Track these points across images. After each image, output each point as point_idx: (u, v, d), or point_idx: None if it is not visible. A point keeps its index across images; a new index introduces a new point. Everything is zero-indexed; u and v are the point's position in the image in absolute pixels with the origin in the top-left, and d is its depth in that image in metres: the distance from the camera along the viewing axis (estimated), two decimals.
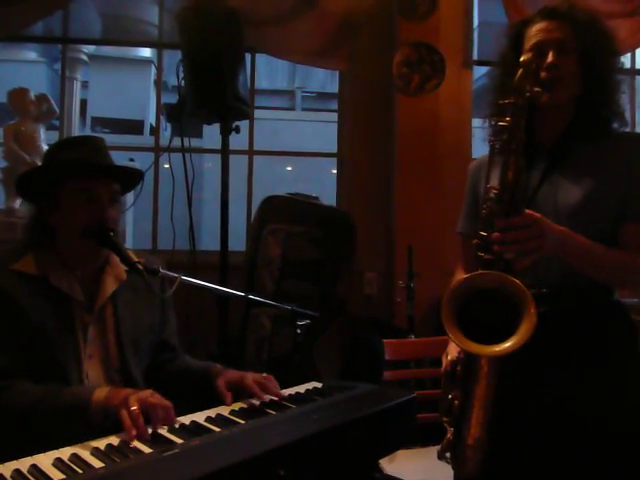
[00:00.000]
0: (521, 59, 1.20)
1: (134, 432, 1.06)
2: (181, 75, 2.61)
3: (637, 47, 3.17)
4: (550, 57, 1.24)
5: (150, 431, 1.09)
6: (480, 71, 3.58)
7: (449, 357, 1.27)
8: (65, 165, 1.37)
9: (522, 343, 1.05)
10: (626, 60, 3.35)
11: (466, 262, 1.51)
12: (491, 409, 1.14)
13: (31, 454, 0.98)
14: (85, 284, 1.39)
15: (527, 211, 1.13)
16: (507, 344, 1.06)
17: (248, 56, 3.07)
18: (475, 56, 3.29)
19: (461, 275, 1.49)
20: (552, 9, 1.31)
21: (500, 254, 1.13)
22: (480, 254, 1.18)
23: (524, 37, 1.32)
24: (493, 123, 1.20)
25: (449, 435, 1.22)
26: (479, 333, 1.09)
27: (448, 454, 1.22)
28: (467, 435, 1.15)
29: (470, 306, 1.11)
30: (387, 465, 1.85)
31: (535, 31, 1.30)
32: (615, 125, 1.32)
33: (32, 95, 3.13)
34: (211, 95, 2.50)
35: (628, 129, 1.36)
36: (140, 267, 1.29)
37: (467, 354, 1.17)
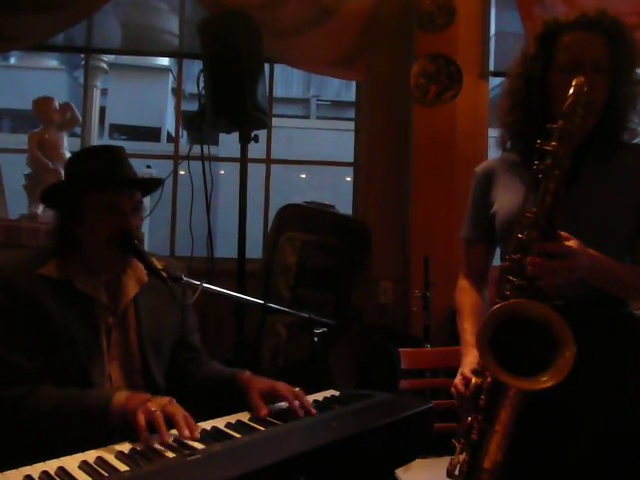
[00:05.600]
0: (574, 82, 1.15)
1: (148, 438, 1.08)
2: (201, 84, 2.66)
3: None
4: (585, 77, 1.18)
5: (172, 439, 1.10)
6: (496, 81, 3.59)
7: (473, 381, 1.21)
8: (88, 177, 1.38)
9: (559, 380, 1.03)
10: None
11: (469, 268, 1.51)
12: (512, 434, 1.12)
13: (52, 457, 1.01)
14: (108, 287, 1.41)
15: (564, 234, 1.12)
16: (544, 378, 1.04)
17: (267, 66, 3.10)
18: (492, 66, 3.29)
19: (464, 282, 1.50)
20: (590, 19, 1.27)
21: (532, 279, 1.12)
22: (510, 277, 1.16)
23: (557, 40, 1.28)
24: (537, 145, 1.16)
25: (464, 456, 1.18)
26: (506, 355, 1.08)
27: (457, 472, 1.20)
28: (485, 459, 1.12)
29: (502, 330, 1.09)
30: (403, 474, 1.85)
31: (572, 42, 1.26)
32: (626, 137, 1.31)
33: (56, 104, 3.19)
34: (231, 105, 2.53)
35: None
36: (164, 275, 1.32)
37: (497, 382, 1.13)
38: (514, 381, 1.07)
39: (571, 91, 1.14)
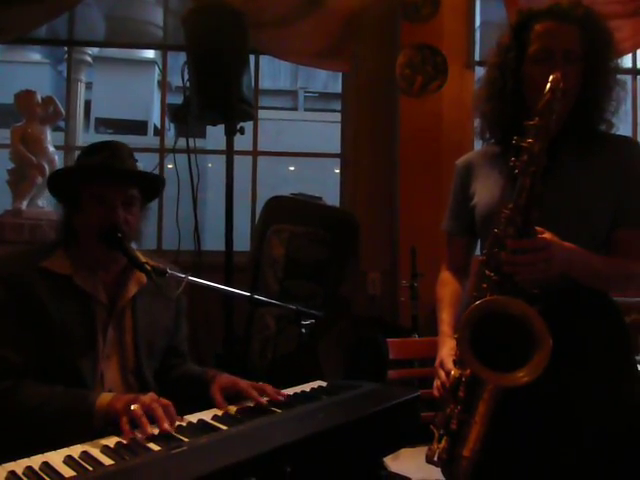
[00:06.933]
0: (550, 78, 1.14)
1: (130, 436, 1.08)
2: (186, 77, 2.63)
3: (639, 47, 3.17)
4: (558, 68, 1.19)
5: (157, 432, 1.10)
6: (482, 71, 3.59)
7: (452, 373, 1.23)
8: (81, 170, 1.43)
9: (536, 376, 1.05)
10: (627, 60, 3.36)
11: (450, 260, 1.52)
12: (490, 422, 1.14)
13: (36, 452, 1.00)
14: (107, 286, 1.42)
15: (539, 229, 1.13)
16: (521, 374, 1.06)
17: (252, 57, 3.09)
18: (477, 56, 3.29)
19: (446, 274, 1.51)
20: (563, 9, 1.27)
21: (509, 275, 1.13)
22: (488, 272, 1.17)
23: (530, 30, 1.28)
24: (514, 142, 1.16)
25: (443, 443, 1.20)
26: (485, 348, 1.09)
27: (436, 458, 1.22)
28: (464, 447, 1.14)
29: (482, 325, 1.11)
30: (391, 463, 1.87)
31: (544, 31, 1.26)
32: (602, 127, 1.31)
33: (39, 97, 3.16)
34: (216, 97, 2.52)
35: (629, 131, 1.36)
36: (148, 268, 1.31)
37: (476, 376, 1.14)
38: (493, 377, 1.09)
39: (547, 87, 1.14)
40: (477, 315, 1.11)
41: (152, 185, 1.51)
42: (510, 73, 1.31)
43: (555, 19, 1.27)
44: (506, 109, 1.32)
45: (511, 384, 1.08)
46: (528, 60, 1.28)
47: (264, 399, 1.30)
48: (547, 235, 1.13)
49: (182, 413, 1.20)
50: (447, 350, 1.31)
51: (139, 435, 1.08)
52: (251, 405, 1.29)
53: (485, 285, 1.17)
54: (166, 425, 1.11)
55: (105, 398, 1.20)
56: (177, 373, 1.55)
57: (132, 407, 1.13)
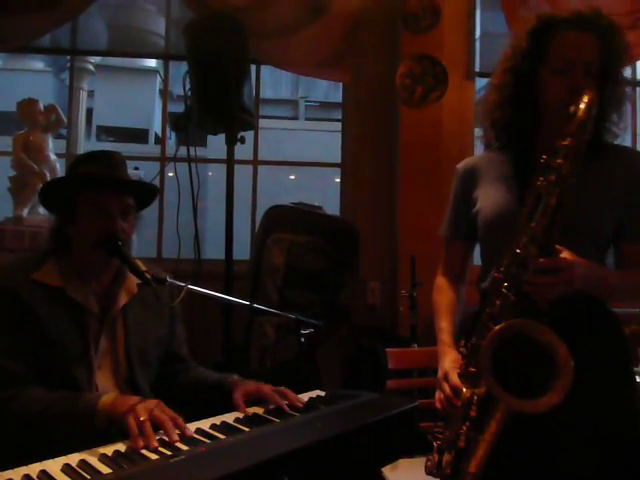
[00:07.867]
0: (585, 99, 1.12)
1: (141, 443, 1.08)
2: (187, 86, 2.65)
3: (638, 59, 3.18)
4: (579, 82, 1.18)
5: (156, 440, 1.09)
6: (483, 82, 3.61)
7: (464, 391, 1.19)
8: (78, 178, 1.43)
9: (558, 401, 1.04)
10: (626, 72, 3.36)
11: (447, 266, 1.51)
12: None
13: (38, 460, 1.00)
14: (98, 296, 1.43)
15: (559, 248, 1.12)
16: (543, 400, 1.04)
17: (253, 67, 3.10)
18: (477, 67, 3.31)
19: (442, 280, 1.49)
20: (587, 19, 1.24)
21: (527, 293, 1.12)
22: (504, 290, 1.15)
23: (550, 37, 1.25)
24: (542, 161, 1.14)
25: (447, 457, 1.18)
26: (501, 371, 1.08)
27: (436, 470, 1.20)
28: (471, 464, 1.12)
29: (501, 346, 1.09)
30: (389, 473, 1.86)
31: (566, 41, 1.24)
32: (608, 138, 1.30)
33: (41, 106, 3.17)
34: (217, 106, 2.53)
35: (629, 142, 1.35)
36: (148, 276, 1.32)
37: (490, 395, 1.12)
38: (515, 403, 1.06)
39: (582, 108, 1.12)
40: (501, 337, 1.08)
41: (147, 195, 1.52)
42: (525, 79, 1.28)
43: (578, 29, 1.23)
44: (517, 115, 1.29)
45: (532, 411, 1.05)
46: (546, 68, 1.25)
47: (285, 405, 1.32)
48: (567, 254, 1.11)
49: (189, 419, 1.20)
50: (450, 362, 1.28)
51: (146, 441, 1.08)
52: (249, 414, 1.29)
53: (498, 302, 1.15)
54: (176, 437, 1.10)
55: (107, 399, 1.21)
56: (186, 378, 1.55)
57: (142, 418, 1.12)
